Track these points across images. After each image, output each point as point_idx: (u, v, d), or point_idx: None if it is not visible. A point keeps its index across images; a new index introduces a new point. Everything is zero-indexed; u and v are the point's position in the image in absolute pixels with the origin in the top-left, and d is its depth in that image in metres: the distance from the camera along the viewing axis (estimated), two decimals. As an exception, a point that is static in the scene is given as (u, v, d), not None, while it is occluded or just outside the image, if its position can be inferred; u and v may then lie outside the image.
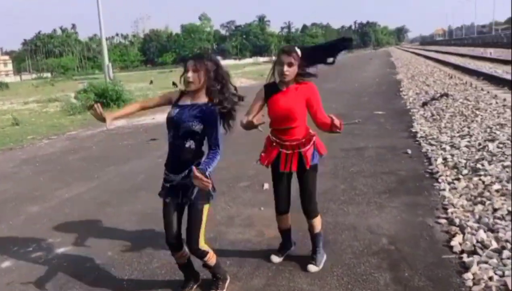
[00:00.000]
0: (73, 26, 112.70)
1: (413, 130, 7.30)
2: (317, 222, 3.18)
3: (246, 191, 5.03)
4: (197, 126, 2.59)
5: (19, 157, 8.13)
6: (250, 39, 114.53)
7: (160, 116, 13.10)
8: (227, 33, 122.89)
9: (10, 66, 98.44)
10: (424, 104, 9.54)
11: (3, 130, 12.00)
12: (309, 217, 3.16)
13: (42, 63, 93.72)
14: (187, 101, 2.67)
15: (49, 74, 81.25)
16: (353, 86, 16.16)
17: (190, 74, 2.58)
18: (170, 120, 2.67)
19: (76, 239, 3.98)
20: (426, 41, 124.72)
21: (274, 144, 3.01)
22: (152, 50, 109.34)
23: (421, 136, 6.73)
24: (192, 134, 2.61)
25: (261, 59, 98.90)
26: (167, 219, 2.75)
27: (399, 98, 11.56)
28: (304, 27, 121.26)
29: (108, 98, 15.90)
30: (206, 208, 2.72)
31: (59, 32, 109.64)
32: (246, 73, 34.67)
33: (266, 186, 5.09)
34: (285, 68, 2.84)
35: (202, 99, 2.64)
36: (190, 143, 2.63)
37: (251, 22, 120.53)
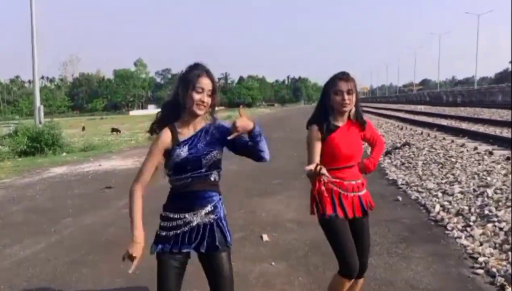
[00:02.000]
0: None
1: (390, 178, 7.20)
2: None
3: (244, 244, 4.44)
4: (220, 153, 2.16)
5: None
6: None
7: (107, 163, 12.09)
8: (162, 81, 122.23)
9: None
10: (388, 153, 9.63)
11: None
12: (362, 275, 2.68)
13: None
14: (188, 131, 2.14)
15: (-37, 118, 74.56)
16: (303, 135, 16.16)
17: (205, 96, 2.09)
18: (184, 163, 2.08)
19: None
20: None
21: (332, 188, 2.52)
22: (81, 96, 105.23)
23: (403, 184, 6.62)
24: (217, 164, 2.16)
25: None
26: (167, 283, 2.09)
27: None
28: (241, 78, 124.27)
29: (42, 142, 14.52)
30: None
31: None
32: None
33: (265, 237, 4.56)
34: (346, 96, 2.46)
35: (203, 120, 2.17)
36: (215, 176, 2.17)
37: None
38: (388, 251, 3.96)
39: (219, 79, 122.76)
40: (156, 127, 2.17)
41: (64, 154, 14.68)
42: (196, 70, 2.10)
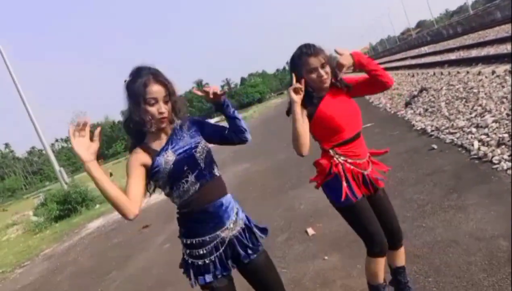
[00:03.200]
0: (7, 145, 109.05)
1: (418, 128, 6.82)
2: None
3: (292, 244, 4.20)
4: (206, 144, 1.96)
5: (-4, 298, 6.85)
6: (195, 105, 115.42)
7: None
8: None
9: None
10: (407, 104, 9.22)
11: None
12: (400, 244, 2.42)
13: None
14: (160, 140, 1.90)
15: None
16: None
17: (161, 105, 1.82)
18: (178, 165, 1.83)
19: None
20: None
21: (352, 168, 2.25)
22: (100, 145, 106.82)
23: (433, 130, 6.23)
24: (211, 156, 1.95)
25: (212, 120, 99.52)
26: None
27: (375, 108, 11.24)
28: (243, 79, 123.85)
29: (73, 202, 14.67)
30: None
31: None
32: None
33: (310, 231, 4.31)
34: (321, 71, 2.16)
35: (169, 125, 1.92)
36: (217, 169, 1.98)
37: (190, 89, 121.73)
38: (441, 207, 3.64)
39: (222, 86, 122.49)
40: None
41: (98, 205, 14.79)
42: (139, 78, 1.79)
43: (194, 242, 1.88)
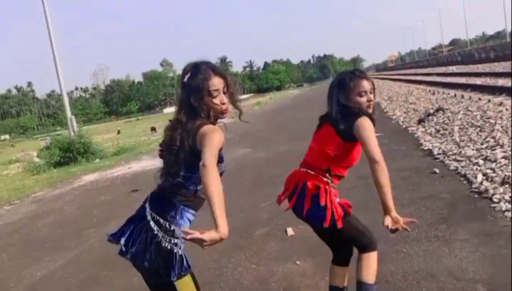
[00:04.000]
0: (29, 84, 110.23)
1: (425, 148, 6.62)
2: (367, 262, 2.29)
3: (267, 240, 4.09)
4: None
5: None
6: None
7: (137, 165, 12.03)
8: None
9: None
10: (421, 121, 8.98)
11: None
12: (348, 262, 2.42)
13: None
14: None
15: (7, 136, 78.19)
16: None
17: (223, 97, 1.84)
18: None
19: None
20: (381, 68, 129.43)
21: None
22: (115, 101, 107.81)
23: (439, 153, 6.03)
24: None
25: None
26: None
27: (388, 119, 11.01)
28: (266, 64, 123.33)
29: (74, 152, 14.72)
30: None
31: (14, 91, 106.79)
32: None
33: (290, 231, 4.19)
34: (370, 95, 2.22)
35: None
36: None
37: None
38: (426, 235, 3.49)
39: (244, 68, 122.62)
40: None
41: (97, 160, 14.82)
42: (200, 73, 1.80)
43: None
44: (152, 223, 1.78)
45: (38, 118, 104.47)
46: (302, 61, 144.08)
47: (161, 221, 1.78)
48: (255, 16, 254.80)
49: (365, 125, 2.08)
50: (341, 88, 2.20)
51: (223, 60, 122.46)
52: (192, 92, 1.80)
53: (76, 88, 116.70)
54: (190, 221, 1.84)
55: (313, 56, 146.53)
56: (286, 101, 37.14)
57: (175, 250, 1.75)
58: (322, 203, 2.13)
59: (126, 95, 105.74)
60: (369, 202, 4.55)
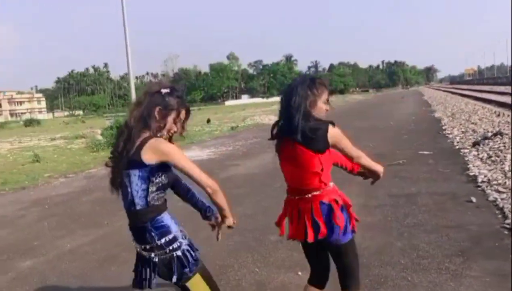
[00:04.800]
0: (105, 65, 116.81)
1: (471, 173, 6.28)
2: None
3: (279, 247, 4.12)
4: None
5: (30, 197, 7.50)
6: (278, 78, 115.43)
7: (191, 153, 12.42)
8: (254, 72, 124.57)
9: (43, 104, 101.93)
10: (476, 144, 8.50)
11: (22, 167, 11.58)
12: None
13: (74, 101, 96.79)
14: None
15: (81, 112, 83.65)
16: (388, 125, 15.20)
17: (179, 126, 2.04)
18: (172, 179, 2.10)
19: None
20: (456, 80, 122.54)
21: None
22: (181, 89, 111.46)
23: (483, 181, 5.71)
24: None
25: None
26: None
27: (443, 137, 10.52)
28: (331, 66, 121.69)
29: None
30: None
31: (91, 71, 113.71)
32: (275, 111, 34.25)
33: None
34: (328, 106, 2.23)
35: None
36: None
37: (279, 62, 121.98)
38: (438, 267, 3.36)
39: (309, 68, 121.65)
40: None
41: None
42: (179, 97, 1.99)
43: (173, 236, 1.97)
44: (145, 253, 1.94)
45: (110, 98, 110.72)
46: (370, 66, 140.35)
47: (150, 246, 1.91)
48: (325, 14, 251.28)
49: (338, 135, 2.09)
50: (306, 97, 2.08)
51: (288, 58, 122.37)
52: (162, 105, 1.90)
53: (147, 73, 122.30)
54: (168, 219, 1.94)
55: (382, 62, 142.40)
56: (346, 106, 36.43)
57: (175, 254, 1.90)
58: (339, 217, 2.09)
59: (191, 85, 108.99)
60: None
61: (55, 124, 47.01)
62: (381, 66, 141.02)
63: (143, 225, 1.89)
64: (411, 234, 4.12)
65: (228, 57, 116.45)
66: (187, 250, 1.91)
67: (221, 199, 1.95)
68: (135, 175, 1.84)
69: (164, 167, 1.86)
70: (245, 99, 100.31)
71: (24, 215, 6.28)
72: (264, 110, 35.78)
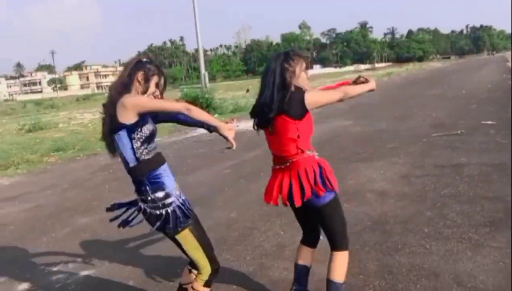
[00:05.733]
0: (181, 38, 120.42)
1: (532, 144, 5.85)
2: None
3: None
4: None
5: (99, 162, 8.28)
6: (351, 47, 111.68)
7: (244, 125, 12.64)
8: (327, 41, 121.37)
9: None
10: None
11: (99, 136, 12.62)
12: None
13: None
14: None
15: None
16: (460, 93, 14.28)
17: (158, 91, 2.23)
18: (154, 130, 2.21)
19: (103, 262, 3.60)
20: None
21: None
22: (253, 60, 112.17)
23: (543, 153, 5.32)
24: None
25: (362, 66, 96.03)
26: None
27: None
28: (410, 32, 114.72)
29: (198, 105, 16.12)
30: None
31: (168, 44, 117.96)
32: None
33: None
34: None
35: None
36: None
37: (353, 30, 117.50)
38: (460, 236, 3.29)
39: (385, 34, 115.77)
40: None
41: (216, 115, 16.08)
42: (156, 66, 2.17)
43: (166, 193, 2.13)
44: (140, 203, 2.15)
45: (186, 70, 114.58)
46: (453, 31, 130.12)
47: (144, 198, 2.13)
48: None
49: (315, 96, 2.18)
50: (283, 70, 2.16)
51: (363, 25, 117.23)
52: (144, 70, 2.09)
53: (221, 45, 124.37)
54: (165, 175, 2.14)
55: (466, 26, 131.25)
56: (420, 74, 34.56)
57: (162, 212, 2.09)
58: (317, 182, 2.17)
59: (263, 56, 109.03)
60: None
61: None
62: (465, 31, 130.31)
63: (140, 179, 2.11)
64: (444, 204, 4.04)
65: (300, 27, 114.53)
66: (178, 207, 2.11)
67: (199, 114, 2.08)
68: (119, 137, 2.06)
69: (140, 120, 2.04)
70: (317, 69, 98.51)
71: (91, 178, 6.99)
72: (334, 81, 35.04)
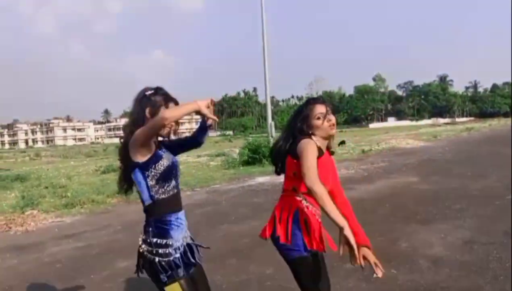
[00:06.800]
0: (254, 89, 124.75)
1: None
2: None
3: (350, 276, 3.89)
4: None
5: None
6: (430, 100, 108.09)
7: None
8: (403, 94, 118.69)
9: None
10: None
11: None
12: None
13: (226, 122, 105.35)
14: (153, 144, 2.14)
15: (231, 132, 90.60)
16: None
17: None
18: (171, 167, 2.11)
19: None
20: None
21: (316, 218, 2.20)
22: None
23: None
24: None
25: (441, 120, 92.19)
26: None
27: None
28: (494, 86, 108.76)
29: (261, 154, 16.25)
30: None
31: (242, 94, 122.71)
32: (419, 135, 32.07)
33: (379, 273, 3.88)
34: (332, 117, 2.24)
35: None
36: None
37: (431, 82, 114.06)
38: None
39: (467, 88, 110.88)
40: None
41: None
42: (160, 95, 2.12)
43: (165, 242, 2.04)
44: (140, 243, 2.09)
45: (257, 119, 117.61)
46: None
47: (144, 238, 2.07)
48: (485, 26, 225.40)
49: (303, 146, 2.09)
50: (297, 116, 2.30)
51: (443, 78, 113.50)
52: (150, 105, 2.05)
53: (292, 96, 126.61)
54: (174, 224, 2.06)
55: None
56: (504, 130, 32.07)
57: (157, 259, 2.00)
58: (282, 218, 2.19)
59: (335, 107, 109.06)
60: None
61: (207, 143, 51.30)
62: None
63: (149, 219, 2.07)
64: (507, 278, 3.49)
65: (374, 79, 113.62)
66: (173, 261, 1.99)
67: (173, 112, 1.95)
68: (135, 175, 2.03)
69: (153, 156, 2.01)
70: (391, 122, 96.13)
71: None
72: (407, 134, 33.78)
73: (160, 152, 2.06)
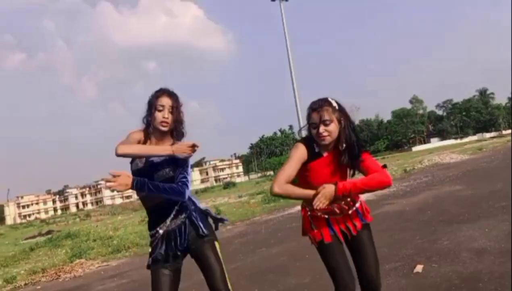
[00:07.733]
0: (290, 127, 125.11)
1: None
2: None
3: (390, 274, 3.77)
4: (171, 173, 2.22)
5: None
6: (472, 115, 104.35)
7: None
8: (444, 113, 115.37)
9: (240, 168, 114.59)
10: None
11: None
12: None
13: (265, 162, 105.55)
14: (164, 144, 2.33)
15: (271, 172, 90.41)
16: None
17: (166, 112, 2.25)
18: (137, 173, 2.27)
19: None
20: None
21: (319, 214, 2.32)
22: (364, 140, 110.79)
23: None
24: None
25: (487, 135, 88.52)
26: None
27: None
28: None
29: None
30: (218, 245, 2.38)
31: (278, 134, 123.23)
32: (464, 150, 30.94)
33: (419, 268, 3.74)
34: (321, 128, 2.12)
35: (171, 138, 2.33)
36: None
37: (471, 98, 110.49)
38: None
39: (510, 99, 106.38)
40: None
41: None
42: (157, 92, 2.30)
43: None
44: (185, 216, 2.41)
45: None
46: None
47: (189, 213, 2.40)
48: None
49: (291, 152, 2.22)
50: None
51: (483, 92, 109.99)
52: (148, 109, 2.24)
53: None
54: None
55: None
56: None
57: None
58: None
59: (374, 135, 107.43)
60: None
61: (248, 185, 51.97)
62: None
63: (187, 205, 2.39)
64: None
65: (411, 101, 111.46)
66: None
67: (126, 150, 2.20)
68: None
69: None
70: (434, 142, 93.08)
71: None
72: (452, 151, 32.61)
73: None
